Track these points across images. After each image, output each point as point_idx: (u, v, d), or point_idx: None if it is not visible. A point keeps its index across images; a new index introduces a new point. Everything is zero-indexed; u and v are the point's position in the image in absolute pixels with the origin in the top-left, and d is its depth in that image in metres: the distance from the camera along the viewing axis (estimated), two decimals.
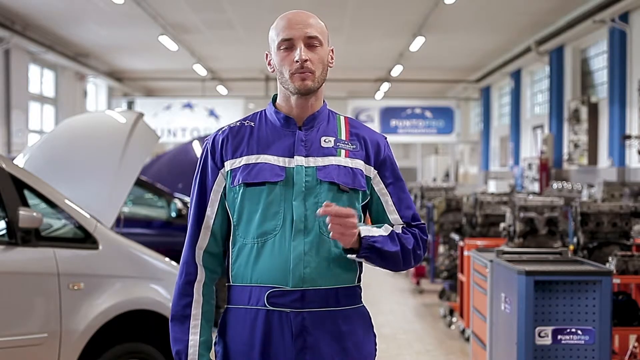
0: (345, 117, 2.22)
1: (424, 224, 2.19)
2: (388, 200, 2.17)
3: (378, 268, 2.14)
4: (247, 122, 2.18)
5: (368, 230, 2.05)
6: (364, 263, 2.14)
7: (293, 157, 2.08)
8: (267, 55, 2.16)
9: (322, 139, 2.13)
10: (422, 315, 8.12)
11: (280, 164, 2.08)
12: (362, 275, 2.17)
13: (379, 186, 2.16)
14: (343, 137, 2.15)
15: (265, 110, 2.20)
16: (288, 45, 2.07)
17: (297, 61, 2.04)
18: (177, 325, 2.11)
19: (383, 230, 2.09)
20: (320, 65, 2.09)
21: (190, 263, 2.13)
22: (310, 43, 2.07)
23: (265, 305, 2.04)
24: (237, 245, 2.11)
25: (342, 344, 2.08)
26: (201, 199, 2.14)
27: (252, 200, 2.07)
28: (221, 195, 2.12)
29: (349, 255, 2.04)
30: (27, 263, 3.62)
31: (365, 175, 2.13)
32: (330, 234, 1.96)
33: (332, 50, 2.16)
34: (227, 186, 2.12)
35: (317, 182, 2.07)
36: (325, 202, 1.97)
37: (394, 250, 2.07)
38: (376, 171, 2.16)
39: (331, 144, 2.12)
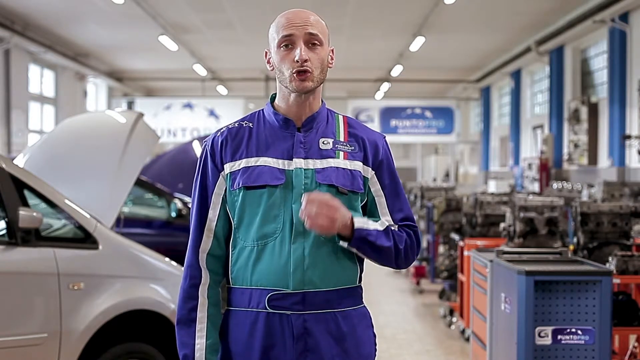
0: (344, 116, 2.21)
1: (416, 227, 2.19)
2: (382, 201, 2.16)
3: (375, 264, 2.15)
4: (245, 123, 2.16)
5: (364, 222, 2.06)
6: (364, 259, 2.15)
7: (292, 160, 2.07)
8: (266, 53, 2.15)
9: (321, 140, 2.11)
10: (422, 315, 8.12)
11: (280, 167, 2.07)
12: (362, 275, 2.17)
13: (375, 187, 2.16)
14: (341, 139, 2.14)
15: (263, 110, 2.19)
16: (288, 42, 2.05)
17: (297, 61, 2.03)
18: (183, 329, 2.10)
19: (379, 225, 2.10)
20: (319, 65, 2.07)
21: (194, 266, 2.12)
22: (311, 41, 2.06)
23: (266, 308, 2.03)
24: (237, 248, 2.10)
25: (343, 344, 2.08)
26: (203, 202, 2.13)
27: (253, 203, 2.06)
28: (222, 197, 2.11)
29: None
30: (27, 263, 3.61)
31: (363, 176, 2.13)
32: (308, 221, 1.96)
33: (332, 51, 2.14)
34: (227, 189, 2.10)
35: (316, 184, 2.06)
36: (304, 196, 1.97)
37: (387, 246, 2.09)
38: (374, 172, 2.15)
39: (330, 146, 2.11)
